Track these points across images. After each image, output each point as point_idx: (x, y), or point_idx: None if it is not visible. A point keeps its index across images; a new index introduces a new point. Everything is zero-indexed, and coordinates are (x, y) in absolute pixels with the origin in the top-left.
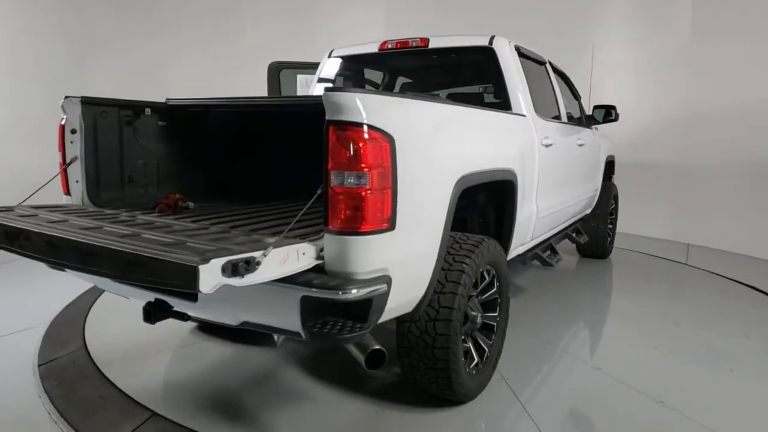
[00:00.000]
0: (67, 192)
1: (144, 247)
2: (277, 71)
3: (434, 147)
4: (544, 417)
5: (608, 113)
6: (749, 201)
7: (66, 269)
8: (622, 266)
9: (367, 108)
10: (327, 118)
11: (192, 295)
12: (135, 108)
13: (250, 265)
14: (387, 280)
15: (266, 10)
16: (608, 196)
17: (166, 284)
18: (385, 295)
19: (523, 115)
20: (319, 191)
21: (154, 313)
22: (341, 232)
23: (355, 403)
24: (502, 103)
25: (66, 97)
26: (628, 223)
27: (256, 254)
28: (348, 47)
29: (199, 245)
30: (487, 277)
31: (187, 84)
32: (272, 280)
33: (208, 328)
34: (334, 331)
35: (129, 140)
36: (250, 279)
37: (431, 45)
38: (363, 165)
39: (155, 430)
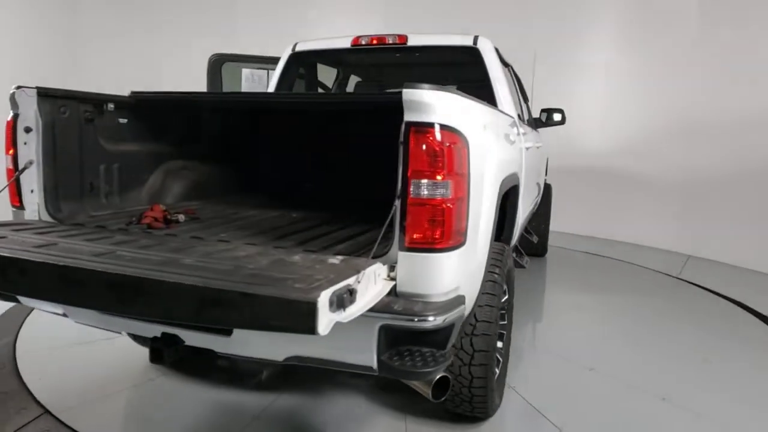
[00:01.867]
0: (19, 204)
1: (214, 278)
2: (219, 64)
3: (487, 151)
4: (568, 421)
5: (550, 116)
6: (758, 212)
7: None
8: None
9: (450, 109)
10: (407, 119)
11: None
12: (96, 102)
13: (352, 295)
14: (462, 300)
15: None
16: (548, 196)
17: (268, 326)
18: (462, 318)
19: (512, 117)
20: (397, 203)
21: (166, 351)
22: (419, 249)
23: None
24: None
25: (17, 87)
26: (628, 231)
27: (351, 281)
28: (315, 41)
29: (282, 274)
30: (505, 285)
31: (181, 81)
32: None
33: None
34: (419, 362)
35: (90, 141)
36: (351, 311)
37: (410, 42)
38: (447, 172)
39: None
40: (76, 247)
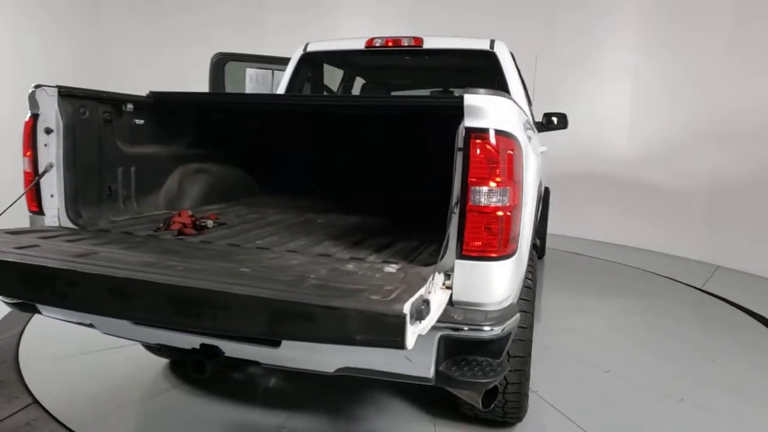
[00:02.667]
0: (38, 209)
1: (285, 290)
2: (222, 64)
3: (531, 157)
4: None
5: (551, 121)
6: None
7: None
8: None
9: (508, 115)
10: (467, 124)
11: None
12: (115, 102)
13: (427, 306)
14: (516, 309)
15: (287, 15)
16: (547, 199)
17: (351, 341)
18: (516, 327)
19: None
20: (455, 209)
21: (208, 363)
22: (476, 258)
23: None
24: None
25: (37, 86)
26: (654, 240)
27: (423, 291)
28: (327, 42)
29: (350, 284)
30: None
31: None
32: None
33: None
34: (478, 372)
35: (108, 143)
36: (426, 323)
37: (426, 45)
38: (506, 179)
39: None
40: (120, 257)
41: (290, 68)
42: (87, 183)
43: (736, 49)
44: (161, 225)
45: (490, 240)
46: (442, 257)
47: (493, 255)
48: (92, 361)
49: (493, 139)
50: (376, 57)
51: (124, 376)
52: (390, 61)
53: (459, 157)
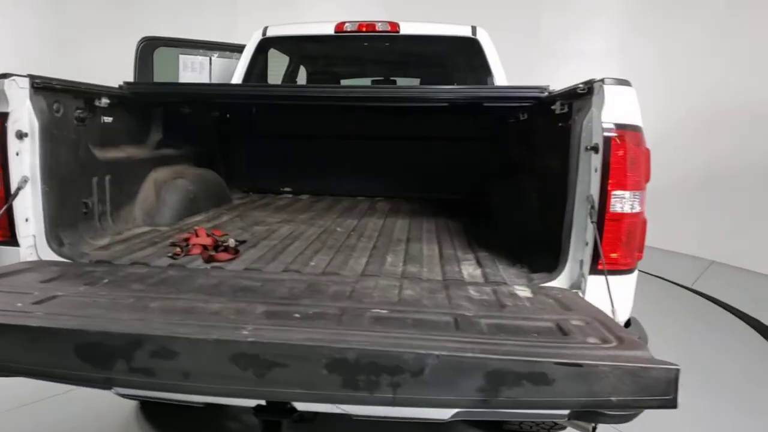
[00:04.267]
0: (9, 238)
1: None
2: (150, 49)
3: None
4: None
5: None
6: None
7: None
8: None
9: (638, 110)
10: (606, 120)
11: None
12: (88, 97)
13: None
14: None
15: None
16: None
17: (605, 404)
18: None
19: None
20: (590, 218)
21: (285, 421)
22: (613, 271)
23: None
24: None
25: (3, 75)
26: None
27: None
28: (289, 25)
29: (520, 320)
30: None
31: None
32: None
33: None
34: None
35: (82, 147)
36: None
37: (403, 31)
38: (643, 182)
39: None
40: (195, 305)
41: (247, 55)
42: (65, 200)
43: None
44: (179, 250)
45: (628, 251)
46: (560, 271)
47: (627, 267)
48: (40, 414)
49: (634, 137)
50: (347, 43)
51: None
52: (361, 48)
53: (589, 158)
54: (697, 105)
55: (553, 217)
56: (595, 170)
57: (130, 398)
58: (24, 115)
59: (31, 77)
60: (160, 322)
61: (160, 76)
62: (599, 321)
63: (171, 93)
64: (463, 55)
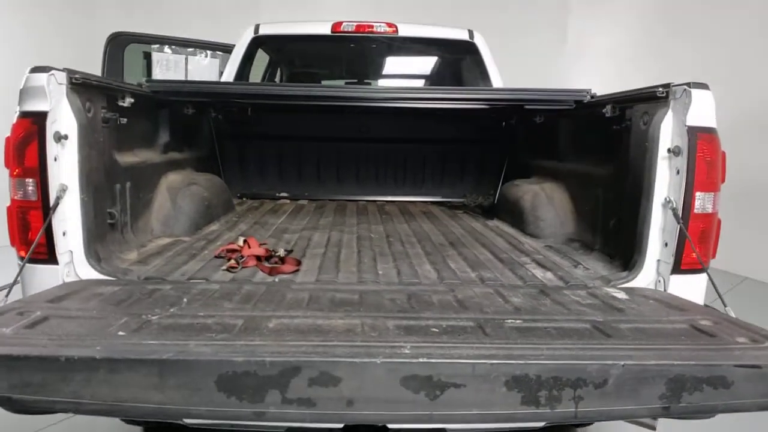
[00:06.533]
0: (46, 257)
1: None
2: (120, 45)
3: None
4: None
5: None
6: None
7: None
8: None
9: (713, 112)
10: (690, 123)
11: None
12: (112, 97)
13: None
14: None
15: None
16: None
17: None
18: None
19: None
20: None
21: None
22: (694, 270)
23: None
24: None
25: (42, 68)
26: None
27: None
28: (283, 24)
29: (657, 324)
30: None
31: None
32: None
33: None
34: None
35: (108, 151)
36: None
37: (401, 33)
38: (720, 182)
39: None
40: (333, 324)
41: (238, 53)
42: (97, 211)
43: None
44: (234, 262)
45: (707, 250)
46: (614, 273)
47: (705, 266)
48: None
49: (715, 140)
50: (343, 43)
51: None
52: (356, 49)
53: (669, 160)
54: (734, 112)
55: (600, 217)
56: (677, 172)
57: (136, 424)
58: (63, 115)
59: (69, 72)
60: (311, 344)
61: (130, 73)
62: (727, 320)
63: (196, 92)
64: (460, 59)
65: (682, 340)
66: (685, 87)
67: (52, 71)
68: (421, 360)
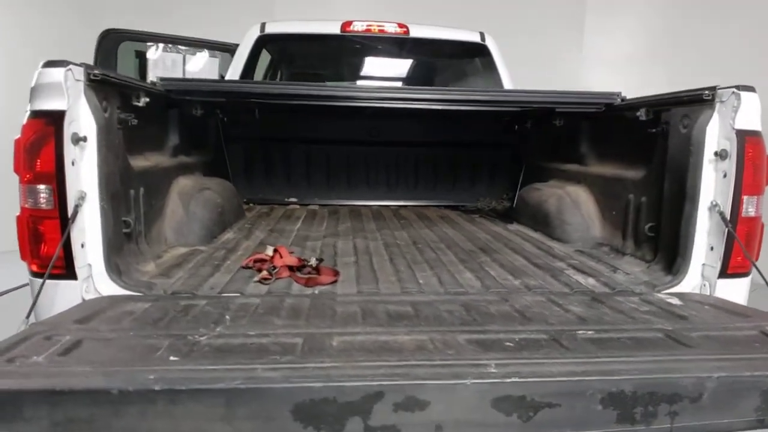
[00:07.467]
0: (64, 272)
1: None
2: (114, 43)
3: None
4: None
5: None
6: None
7: None
8: None
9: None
10: (739, 126)
11: None
12: (127, 96)
13: None
14: None
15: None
16: None
17: None
18: None
19: None
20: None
21: None
22: (738, 274)
23: None
24: None
25: (58, 63)
26: None
27: None
28: (290, 22)
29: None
30: None
31: None
32: None
33: None
34: None
35: (121, 155)
36: None
37: (413, 34)
38: (765, 186)
39: None
40: (400, 340)
41: (244, 52)
42: (115, 219)
43: None
44: (267, 274)
45: (752, 253)
46: (682, 276)
47: (747, 271)
48: None
49: (762, 143)
50: (353, 43)
51: None
52: (369, 50)
53: (715, 164)
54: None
55: (631, 221)
56: (724, 175)
57: None
58: (81, 115)
59: (87, 67)
60: (388, 365)
61: (124, 71)
62: None
63: (213, 91)
64: (471, 61)
65: (757, 347)
66: (733, 90)
67: (70, 66)
68: (513, 380)
